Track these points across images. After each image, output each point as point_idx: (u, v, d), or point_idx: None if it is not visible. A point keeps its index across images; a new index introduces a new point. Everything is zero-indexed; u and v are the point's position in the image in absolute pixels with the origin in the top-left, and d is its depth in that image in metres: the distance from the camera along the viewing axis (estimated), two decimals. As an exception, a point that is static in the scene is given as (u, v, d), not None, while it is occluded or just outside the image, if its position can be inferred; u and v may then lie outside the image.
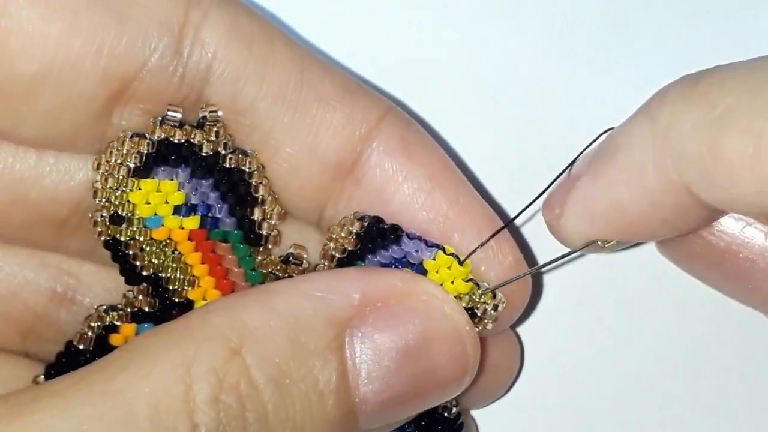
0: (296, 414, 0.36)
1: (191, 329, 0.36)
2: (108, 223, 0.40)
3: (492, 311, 0.39)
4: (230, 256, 0.42)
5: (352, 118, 0.40)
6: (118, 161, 0.39)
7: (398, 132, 0.40)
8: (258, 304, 0.37)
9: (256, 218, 0.41)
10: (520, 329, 0.45)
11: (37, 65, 0.37)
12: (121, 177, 0.39)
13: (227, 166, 0.40)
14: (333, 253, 0.41)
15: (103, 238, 0.41)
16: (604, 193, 0.38)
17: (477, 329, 0.39)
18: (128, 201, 0.40)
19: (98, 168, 0.40)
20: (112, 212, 0.40)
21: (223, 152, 0.40)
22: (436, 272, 0.40)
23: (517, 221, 0.43)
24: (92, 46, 0.38)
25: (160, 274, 0.41)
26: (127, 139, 0.39)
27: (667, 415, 0.45)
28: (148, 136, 0.39)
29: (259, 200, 0.40)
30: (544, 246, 0.43)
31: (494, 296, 0.40)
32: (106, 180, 0.40)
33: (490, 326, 0.40)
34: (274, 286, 0.38)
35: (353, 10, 0.45)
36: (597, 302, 0.45)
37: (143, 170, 0.40)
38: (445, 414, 0.42)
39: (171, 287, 0.42)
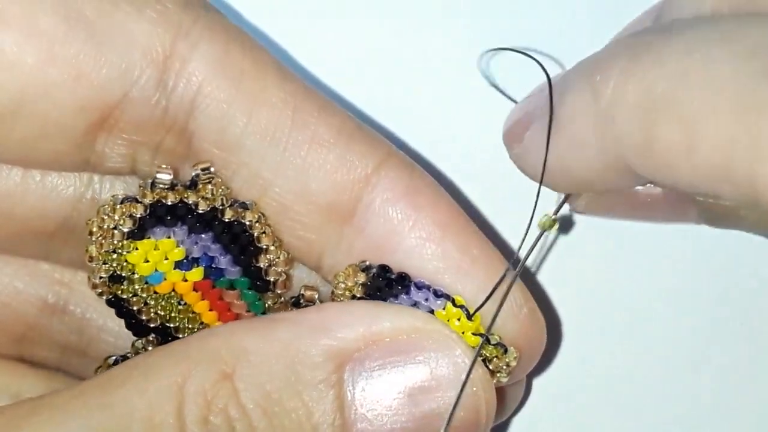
0: None
1: (189, 350, 0.36)
2: (108, 284, 0.38)
3: (505, 366, 0.38)
4: (238, 302, 0.40)
5: (347, 160, 0.38)
6: (111, 226, 0.37)
7: (402, 178, 0.38)
8: (259, 331, 0.36)
9: (262, 266, 0.39)
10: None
11: (10, 94, 0.36)
12: (115, 241, 0.37)
13: (226, 219, 0.38)
14: (342, 300, 0.39)
15: (105, 297, 0.39)
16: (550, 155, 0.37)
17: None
18: (126, 261, 0.38)
19: (90, 234, 0.38)
20: (110, 272, 0.38)
21: (221, 207, 0.37)
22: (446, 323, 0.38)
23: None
24: (69, 76, 0.36)
25: (168, 324, 0.40)
26: (118, 205, 0.37)
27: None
28: (139, 200, 0.37)
29: (264, 249, 0.38)
30: (557, 285, 0.41)
31: (505, 351, 0.38)
32: (100, 246, 0.37)
33: (504, 379, 0.38)
34: (280, 314, 0.38)
35: (358, 42, 0.43)
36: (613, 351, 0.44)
37: (138, 233, 0.37)
38: None
39: (181, 336, 0.40)
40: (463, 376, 0.36)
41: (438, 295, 0.37)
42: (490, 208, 0.43)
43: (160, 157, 0.38)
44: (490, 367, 0.38)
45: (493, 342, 0.37)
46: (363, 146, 0.38)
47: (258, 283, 0.39)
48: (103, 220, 0.37)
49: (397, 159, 0.38)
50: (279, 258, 0.39)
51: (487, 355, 0.37)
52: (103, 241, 0.37)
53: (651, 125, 0.34)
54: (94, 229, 0.37)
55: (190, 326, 0.40)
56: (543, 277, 0.43)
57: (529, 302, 0.39)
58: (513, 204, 0.42)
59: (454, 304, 0.37)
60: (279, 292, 0.40)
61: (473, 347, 0.37)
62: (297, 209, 0.38)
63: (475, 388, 0.36)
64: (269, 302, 0.40)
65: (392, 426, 0.36)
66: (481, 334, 0.37)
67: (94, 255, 0.38)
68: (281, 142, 0.37)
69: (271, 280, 0.39)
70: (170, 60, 0.36)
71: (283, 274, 0.39)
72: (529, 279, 0.42)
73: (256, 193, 0.38)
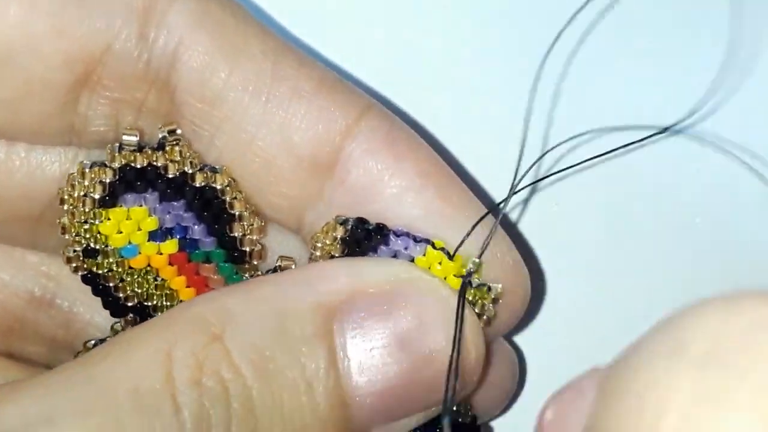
0: (284, 403, 0.34)
1: (173, 319, 0.35)
2: (82, 258, 0.38)
3: (490, 305, 0.37)
4: (215, 276, 0.39)
5: (328, 112, 0.38)
6: (81, 193, 0.37)
7: (382, 129, 0.38)
8: (243, 293, 0.36)
9: (236, 235, 0.38)
10: (519, 339, 0.43)
11: None
12: (87, 209, 0.37)
13: (197, 185, 0.37)
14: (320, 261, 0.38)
15: (80, 273, 0.38)
16: None
17: None
18: (99, 233, 0.38)
19: (62, 203, 0.37)
20: (84, 246, 0.38)
21: (190, 171, 0.37)
22: (427, 269, 0.37)
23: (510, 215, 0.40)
24: (52, 29, 0.36)
25: (145, 303, 0.39)
26: (87, 170, 0.37)
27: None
28: (108, 164, 0.37)
29: (237, 216, 0.38)
30: (540, 236, 0.41)
31: (489, 290, 0.37)
32: (72, 215, 0.37)
33: (491, 314, 0.38)
34: (261, 277, 0.37)
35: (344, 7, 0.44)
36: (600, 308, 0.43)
37: (109, 200, 0.37)
38: (460, 419, 0.39)
39: (159, 314, 0.39)
40: (451, 316, 0.36)
41: (417, 240, 0.37)
42: (474, 163, 0.43)
43: (144, 119, 0.38)
44: (476, 310, 0.37)
45: (475, 283, 0.37)
46: (344, 97, 0.38)
47: (234, 254, 0.39)
48: (73, 187, 0.37)
49: (377, 110, 0.38)
50: (253, 225, 0.38)
51: (471, 299, 0.37)
52: (75, 211, 0.37)
53: None
54: (65, 197, 0.37)
55: (168, 304, 0.39)
56: (525, 229, 0.43)
57: (512, 252, 0.38)
58: (496, 161, 0.42)
59: (434, 248, 0.37)
60: (255, 263, 0.39)
61: (456, 289, 0.37)
62: (280, 164, 0.38)
63: (466, 311, 0.36)
64: (246, 275, 0.39)
65: (386, 374, 0.35)
66: (463, 276, 0.37)
67: (66, 225, 0.38)
68: (263, 93, 0.37)
69: (247, 250, 0.39)
70: (150, 12, 0.37)
71: (257, 243, 0.39)
72: (512, 231, 0.42)
73: (241, 148, 0.38)
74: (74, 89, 0.37)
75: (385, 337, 0.36)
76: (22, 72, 0.36)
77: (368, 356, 0.35)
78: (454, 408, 0.39)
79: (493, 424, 0.43)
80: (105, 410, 0.33)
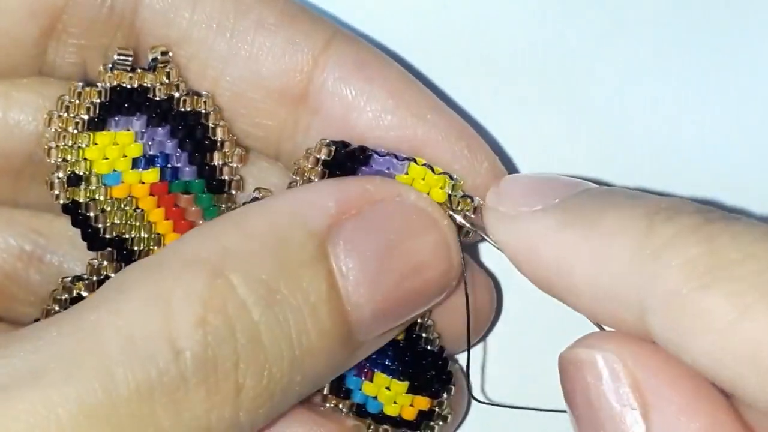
0: (291, 330, 0.35)
1: (167, 261, 0.35)
2: (66, 185, 0.39)
3: (471, 214, 0.39)
4: (193, 209, 0.41)
5: (294, 42, 0.39)
6: (71, 115, 0.38)
7: (351, 55, 0.40)
8: (234, 228, 0.36)
9: (216, 164, 0.40)
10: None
11: None
12: (75, 132, 0.38)
13: (182, 109, 0.39)
14: (300, 185, 0.40)
15: (61, 202, 0.39)
16: (559, 250, 0.35)
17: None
18: (85, 158, 0.39)
19: (50, 124, 0.38)
20: (69, 173, 0.39)
21: (177, 95, 0.39)
22: (410, 185, 0.39)
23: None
24: None
25: (123, 236, 0.40)
26: (78, 90, 0.38)
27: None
28: (99, 85, 0.38)
29: (218, 143, 0.40)
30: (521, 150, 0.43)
31: (472, 200, 0.39)
32: (59, 137, 0.38)
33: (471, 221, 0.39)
34: (246, 208, 0.38)
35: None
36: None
37: (98, 122, 0.38)
38: (428, 347, 0.41)
39: (136, 248, 0.40)
40: (433, 225, 0.38)
41: (400, 159, 0.39)
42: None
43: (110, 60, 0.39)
44: (457, 220, 0.39)
45: (458, 194, 0.39)
46: (308, 26, 0.39)
47: (213, 182, 0.40)
48: (62, 107, 0.38)
49: (343, 36, 0.40)
50: (233, 154, 0.40)
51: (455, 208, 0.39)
52: (62, 133, 0.38)
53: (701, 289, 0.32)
54: (54, 119, 0.38)
55: (145, 236, 0.40)
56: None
57: (489, 158, 0.40)
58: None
59: (417, 164, 0.39)
60: (233, 193, 0.40)
61: (442, 202, 0.39)
62: (250, 96, 0.39)
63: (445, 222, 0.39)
64: (223, 206, 0.40)
65: (381, 286, 0.37)
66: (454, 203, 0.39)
67: (53, 148, 0.38)
68: (227, 29, 0.39)
69: (225, 179, 0.40)
70: None
71: (237, 173, 0.40)
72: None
73: (209, 84, 0.39)
74: (41, 39, 0.38)
75: (375, 250, 0.37)
76: None
77: (363, 272, 0.37)
78: (423, 335, 0.41)
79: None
80: (94, 362, 0.32)
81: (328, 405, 0.41)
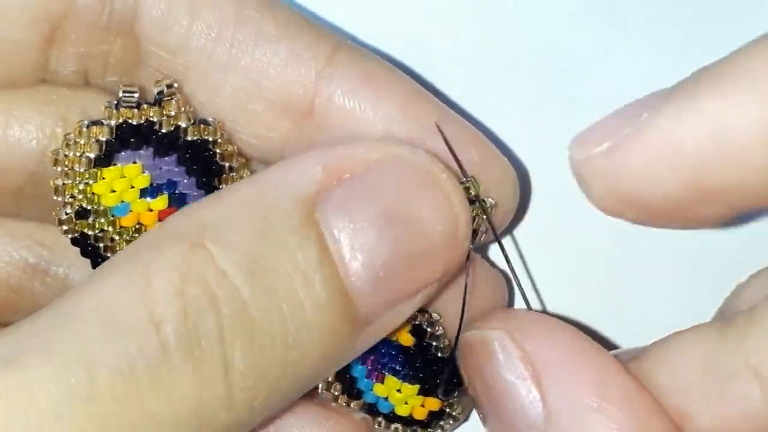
0: (280, 300, 0.34)
1: (146, 242, 0.35)
2: (74, 219, 0.38)
3: (484, 218, 0.39)
4: (203, 231, 0.40)
5: (296, 54, 0.38)
6: (77, 154, 0.37)
7: (357, 67, 0.39)
8: (216, 200, 0.36)
9: (224, 186, 0.39)
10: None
11: None
12: (82, 170, 0.37)
13: (189, 139, 0.38)
14: None
15: (70, 236, 0.39)
16: (704, 123, 0.30)
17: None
18: (93, 193, 0.38)
19: (56, 164, 0.38)
20: (77, 207, 0.38)
21: (184, 126, 0.38)
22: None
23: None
24: None
25: None
26: (84, 129, 0.37)
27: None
28: (105, 122, 0.37)
29: (227, 168, 0.39)
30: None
31: (484, 202, 0.39)
32: (66, 176, 0.38)
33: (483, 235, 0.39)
34: (232, 184, 0.37)
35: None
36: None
37: (104, 159, 0.38)
38: (439, 354, 0.42)
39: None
40: (430, 181, 0.36)
41: None
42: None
43: (111, 69, 0.39)
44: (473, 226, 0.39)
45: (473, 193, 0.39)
46: (311, 38, 0.38)
47: None
48: (68, 146, 0.37)
49: (348, 48, 0.39)
50: (243, 177, 0.39)
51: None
52: (69, 171, 0.38)
53: None
54: (60, 158, 0.38)
55: (156, 260, 0.40)
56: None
57: (500, 163, 0.40)
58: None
59: None
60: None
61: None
62: (252, 107, 0.39)
63: (445, 175, 0.37)
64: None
65: (379, 252, 0.35)
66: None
67: (60, 187, 0.38)
68: (226, 39, 0.38)
69: (235, 202, 0.40)
70: None
71: (245, 196, 0.40)
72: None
73: (209, 94, 0.39)
74: (42, 47, 0.38)
75: (369, 214, 0.35)
76: None
77: (357, 237, 0.35)
78: (433, 343, 0.42)
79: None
80: (73, 342, 0.32)
81: (338, 403, 0.42)
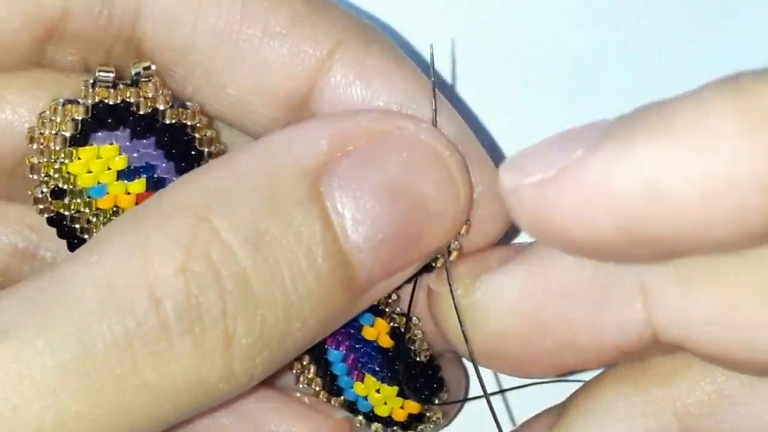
0: (283, 274, 0.34)
1: (147, 210, 0.34)
2: (50, 198, 0.38)
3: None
4: (181, 216, 0.40)
5: (300, 50, 0.38)
6: (53, 132, 0.37)
7: (356, 59, 0.38)
8: (219, 171, 0.35)
9: None
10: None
11: None
12: (57, 148, 0.37)
13: (167, 122, 0.38)
14: None
15: (46, 216, 0.38)
16: (639, 172, 0.29)
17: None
18: (68, 173, 0.38)
19: (32, 141, 0.37)
20: (52, 186, 0.38)
21: (162, 108, 0.38)
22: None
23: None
24: None
25: None
26: (59, 107, 0.37)
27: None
28: (81, 101, 0.37)
29: (205, 154, 0.38)
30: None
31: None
32: (41, 153, 0.37)
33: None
34: (235, 151, 0.37)
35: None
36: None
37: (80, 138, 0.37)
38: (417, 359, 0.41)
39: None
40: (435, 157, 0.36)
41: None
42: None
43: (112, 61, 0.38)
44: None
45: None
46: (316, 32, 0.37)
47: None
48: (44, 125, 0.37)
49: (351, 40, 0.38)
50: None
51: None
52: (45, 150, 0.37)
53: None
54: (36, 135, 0.37)
55: (132, 244, 0.40)
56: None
57: (486, 171, 0.38)
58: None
59: None
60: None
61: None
62: (256, 103, 0.38)
63: (448, 152, 0.36)
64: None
65: (381, 225, 0.35)
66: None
67: (35, 165, 0.38)
68: (232, 37, 0.37)
69: (213, 188, 0.39)
70: None
71: (225, 181, 0.39)
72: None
73: (213, 90, 0.38)
74: (37, 46, 0.37)
75: (373, 188, 0.35)
76: None
77: (361, 210, 0.35)
78: (412, 348, 0.41)
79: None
80: (69, 314, 0.31)
81: (319, 398, 0.42)
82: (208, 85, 0.38)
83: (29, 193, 0.38)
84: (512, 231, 0.40)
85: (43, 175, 0.38)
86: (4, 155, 0.39)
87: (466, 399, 0.43)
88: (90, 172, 0.38)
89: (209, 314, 0.33)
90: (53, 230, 0.40)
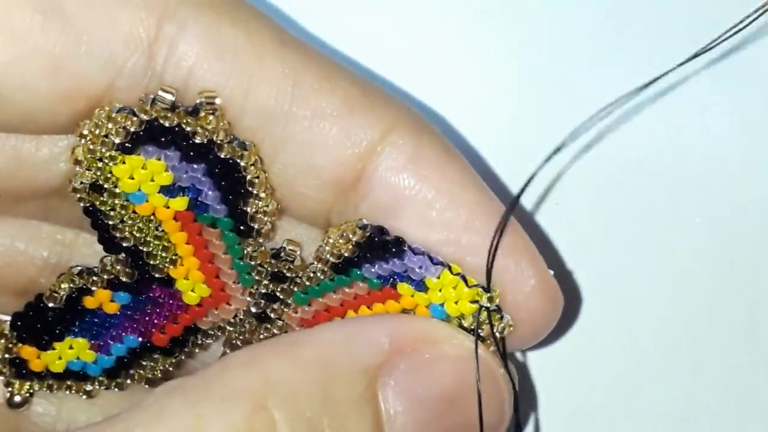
0: None
1: (209, 387, 0.34)
2: (88, 191, 0.37)
3: (498, 333, 0.37)
4: (217, 242, 0.38)
5: (350, 133, 0.36)
6: (102, 133, 0.35)
7: (407, 146, 0.37)
8: (281, 357, 0.35)
9: (249, 210, 0.37)
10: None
11: None
12: (104, 150, 0.36)
13: (222, 155, 0.36)
14: (328, 256, 0.38)
15: (82, 205, 0.37)
16: None
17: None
18: (111, 173, 0.36)
19: (81, 137, 0.36)
20: (92, 180, 0.36)
21: (219, 141, 0.36)
22: (439, 291, 0.37)
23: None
24: (46, 69, 0.35)
25: (141, 248, 0.38)
26: (114, 113, 0.35)
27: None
28: (136, 112, 0.35)
29: (254, 194, 0.37)
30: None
31: (501, 318, 0.37)
32: (88, 150, 0.36)
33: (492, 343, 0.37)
34: (295, 336, 0.37)
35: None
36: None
37: (129, 147, 0.36)
38: None
39: (152, 262, 0.38)
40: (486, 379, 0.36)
41: (434, 262, 0.37)
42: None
43: None
44: (482, 334, 0.37)
45: (491, 306, 0.37)
46: (367, 117, 0.36)
47: (241, 227, 0.37)
48: (96, 125, 0.36)
49: (403, 125, 0.37)
50: (268, 207, 0.37)
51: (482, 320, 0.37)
52: (92, 146, 0.36)
53: None
54: (85, 132, 0.36)
55: (163, 255, 0.38)
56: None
57: (540, 274, 0.37)
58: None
59: (451, 272, 0.36)
60: (261, 240, 0.38)
61: (466, 315, 0.37)
62: (301, 183, 0.37)
63: (502, 371, 0.37)
64: (249, 249, 0.38)
65: None
66: (477, 302, 0.37)
67: (80, 158, 0.36)
68: (281, 118, 0.36)
69: (256, 227, 0.37)
70: (157, 45, 0.35)
71: (268, 223, 0.37)
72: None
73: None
74: (76, 119, 0.36)
75: (426, 397, 0.35)
76: (17, 107, 0.35)
77: (410, 418, 0.35)
78: None
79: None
80: None
81: None
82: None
83: (69, 181, 0.37)
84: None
85: (85, 167, 0.36)
86: (41, 187, 0.38)
87: None
88: (132, 178, 0.36)
89: None
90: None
